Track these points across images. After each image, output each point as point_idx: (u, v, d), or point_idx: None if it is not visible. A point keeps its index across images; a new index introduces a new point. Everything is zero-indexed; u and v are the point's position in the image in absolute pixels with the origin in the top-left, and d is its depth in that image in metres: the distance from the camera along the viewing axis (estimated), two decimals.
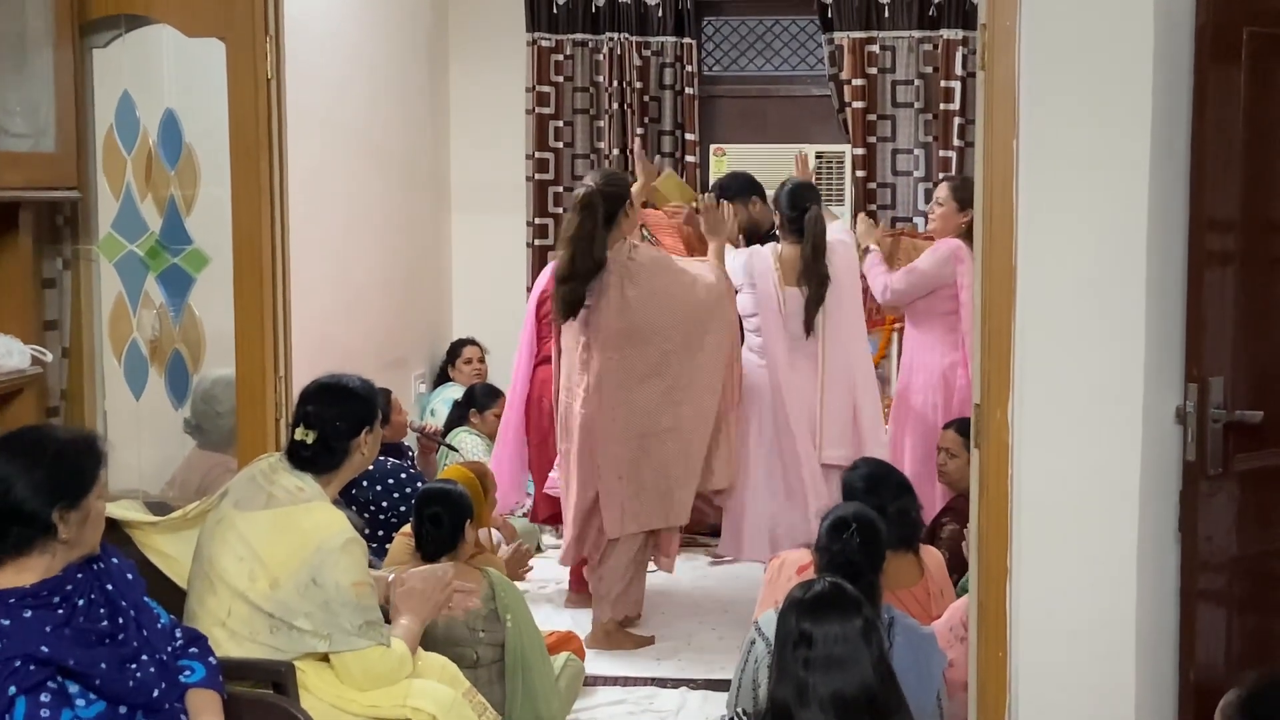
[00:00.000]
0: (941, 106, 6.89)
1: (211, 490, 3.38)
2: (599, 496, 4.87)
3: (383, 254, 6.36)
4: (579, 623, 5.02)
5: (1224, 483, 3.16)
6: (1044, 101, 3.07)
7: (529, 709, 3.87)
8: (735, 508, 5.25)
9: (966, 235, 5.19)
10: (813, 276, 5.09)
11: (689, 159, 7.14)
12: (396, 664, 3.16)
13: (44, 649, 2.44)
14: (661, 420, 4.82)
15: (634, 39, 7.07)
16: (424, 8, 6.95)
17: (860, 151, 6.96)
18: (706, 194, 5.50)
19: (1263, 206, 3.23)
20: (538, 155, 7.18)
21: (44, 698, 2.44)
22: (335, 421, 3.22)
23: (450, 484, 4.15)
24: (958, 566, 4.14)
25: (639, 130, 7.04)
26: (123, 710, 2.56)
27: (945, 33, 6.86)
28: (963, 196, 5.32)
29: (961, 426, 4.61)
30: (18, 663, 2.41)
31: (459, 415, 6.36)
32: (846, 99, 6.95)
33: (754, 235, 5.62)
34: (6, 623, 2.44)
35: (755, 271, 5.19)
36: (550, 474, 5.41)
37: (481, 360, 6.91)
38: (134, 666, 2.58)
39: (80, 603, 2.56)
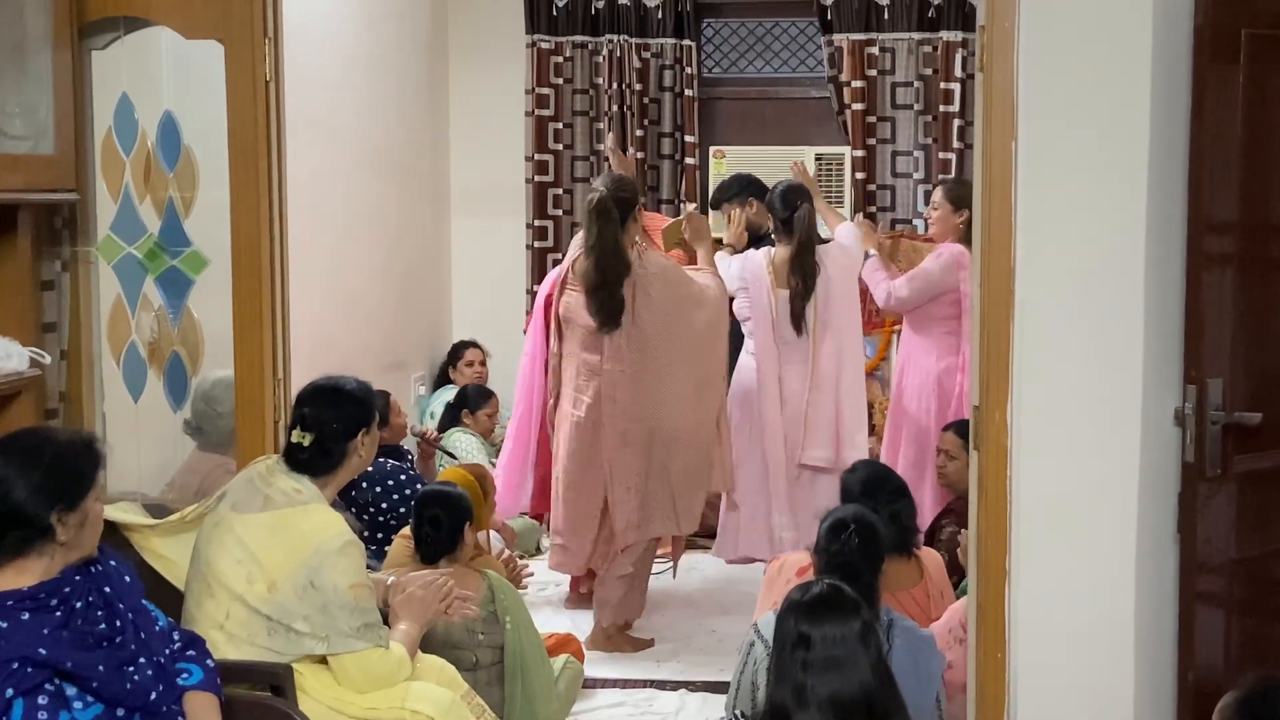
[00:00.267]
0: (941, 108, 6.89)
1: (211, 492, 3.38)
2: (607, 505, 4.86)
3: (382, 256, 6.37)
4: (578, 625, 5.02)
5: (1223, 484, 3.16)
6: (1042, 103, 3.07)
7: (528, 711, 3.87)
8: (730, 510, 5.26)
9: (964, 236, 5.20)
10: (798, 270, 5.12)
11: (688, 161, 7.14)
12: (395, 666, 3.16)
13: (42, 651, 2.44)
14: (672, 428, 4.83)
15: (633, 41, 7.07)
16: (423, 10, 6.95)
17: (860, 153, 6.96)
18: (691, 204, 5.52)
19: (1261, 208, 3.23)
20: (537, 157, 7.18)
21: (41, 700, 2.44)
22: (332, 424, 3.22)
23: (450, 486, 4.15)
24: (957, 568, 4.14)
25: (638, 132, 7.05)
26: (120, 713, 2.56)
27: (945, 34, 6.86)
28: (957, 196, 5.34)
29: (961, 428, 4.61)
30: (15, 665, 2.41)
31: (452, 417, 6.37)
32: (846, 101, 6.96)
33: (753, 238, 5.63)
34: (4, 625, 2.44)
35: (749, 276, 5.21)
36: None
37: (483, 363, 6.92)
38: (132, 669, 2.58)
39: (78, 605, 2.56)
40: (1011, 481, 3.13)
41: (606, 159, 6.99)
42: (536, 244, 7.22)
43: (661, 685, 4.58)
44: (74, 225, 3.82)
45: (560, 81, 7.17)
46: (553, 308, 5.08)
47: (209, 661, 2.80)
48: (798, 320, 5.15)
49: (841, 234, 5.39)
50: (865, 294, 5.52)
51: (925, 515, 4.91)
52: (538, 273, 7.14)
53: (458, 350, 6.95)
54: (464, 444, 6.14)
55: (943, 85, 6.88)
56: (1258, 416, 3.13)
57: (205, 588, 3.12)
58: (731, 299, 5.24)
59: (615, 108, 7.06)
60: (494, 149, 7.20)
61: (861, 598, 2.85)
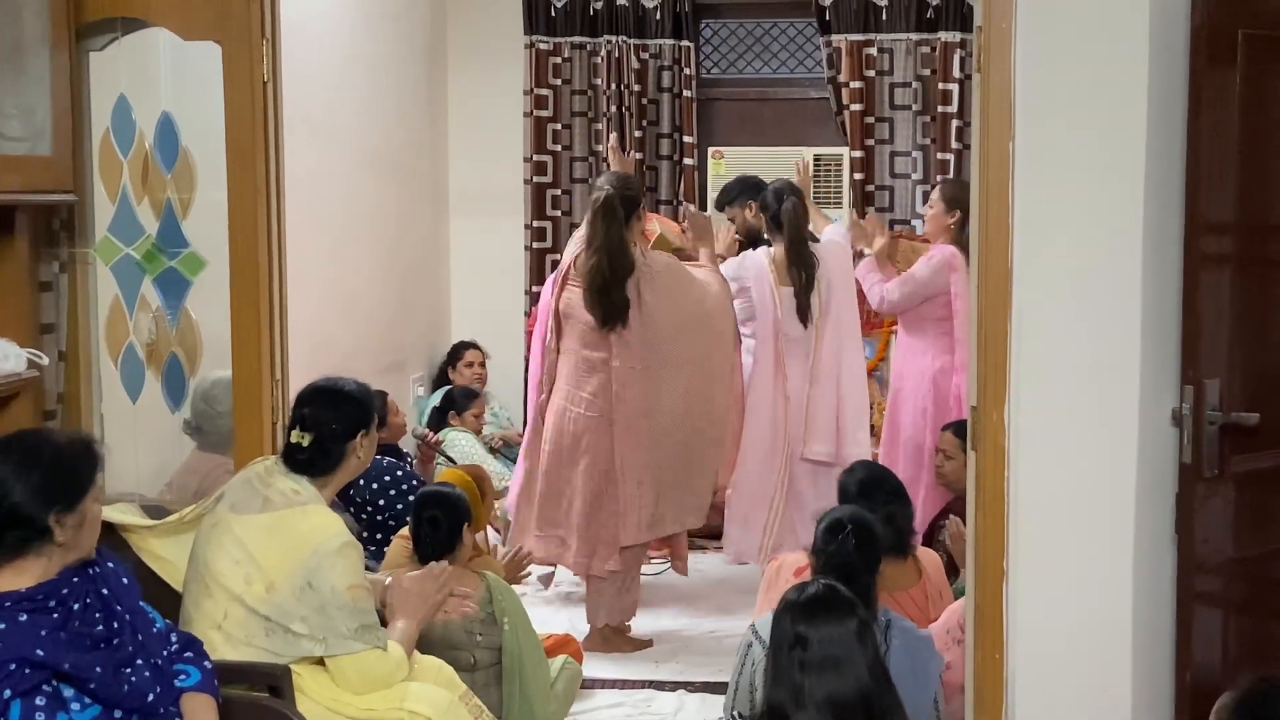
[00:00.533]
0: (939, 109, 6.89)
1: (210, 493, 3.38)
2: (605, 502, 4.85)
3: (380, 257, 6.37)
4: (577, 625, 5.02)
5: (1220, 485, 3.16)
6: (1040, 104, 3.07)
7: (526, 712, 3.87)
8: (737, 510, 5.26)
9: (956, 236, 5.21)
10: (796, 262, 5.14)
11: (687, 161, 7.14)
12: (393, 667, 3.16)
13: (39, 652, 2.44)
14: (681, 426, 4.84)
15: (632, 42, 7.07)
16: (422, 11, 6.95)
17: (858, 154, 6.96)
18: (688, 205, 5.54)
19: (1258, 209, 3.23)
20: (536, 158, 7.18)
21: (39, 701, 2.44)
22: (331, 424, 3.21)
23: (448, 487, 4.15)
24: (955, 569, 4.14)
25: (636, 133, 7.05)
26: (118, 715, 2.55)
27: (943, 35, 6.86)
28: (951, 196, 5.36)
29: (959, 428, 4.61)
30: (13, 666, 2.41)
31: (439, 419, 6.37)
32: (844, 101, 6.96)
33: (755, 240, 5.65)
34: (2, 626, 2.44)
35: (750, 276, 5.23)
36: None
37: (483, 364, 6.92)
38: (129, 670, 2.58)
39: (76, 606, 2.56)
40: (1009, 482, 3.13)
41: (605, 159, 7.03)
42: (535, 245, 7.22)
43: (660, 686, 4.58)
44: (72, 226, 3.82)
45: (559, 82, 7.17)
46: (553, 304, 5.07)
47: (206, 663, 2.80)
48: (804, 313, 5.17)
49: (829, 234, 5.41)
50: (862, 295, 5.53)
51: (920, 516, 4.91)
52: (536, 273, 7.14)
53: (457, 351, 6.95)
54: (462, 443, 6.15)
55: (941, 86, 6.88)
56: (1255, 417, 3.13)
57: (203, 588, 3.12)
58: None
59: (614, 108, 7.06)
60: (492, 150, 7.20)
61: (859, 598, 2.85)
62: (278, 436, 3.56)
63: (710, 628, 5.19)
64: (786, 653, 2.71)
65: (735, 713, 3.10)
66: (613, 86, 7.07)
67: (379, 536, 5.06)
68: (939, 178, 6.71)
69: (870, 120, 6.99)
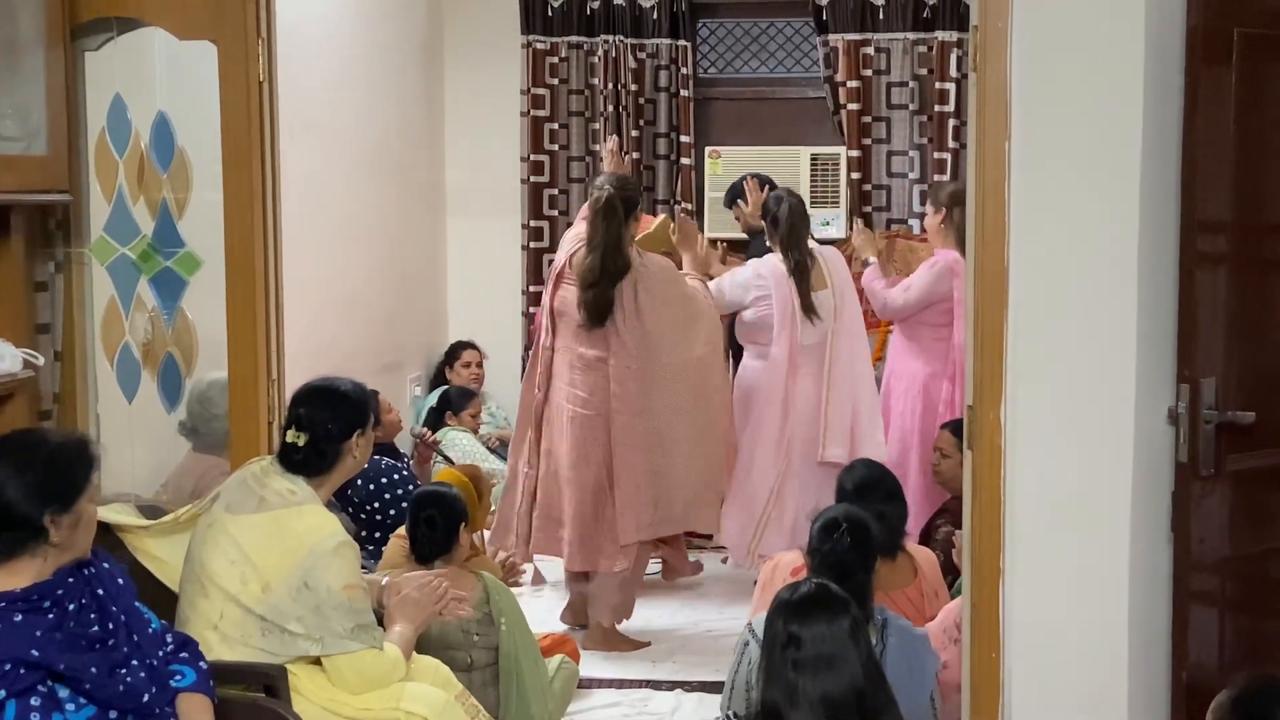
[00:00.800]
0: (936, 108, 6.88)
1: (205, 493, 3.38)
2: (607, 500, 4.85)
3: (377, 257, 6.36)
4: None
5: (1216, 484, 3.16)
6: (1036, 103, 3.07)
7: (523, 712, 3.87)
8: (744, 512, 5.26)
9: (955, 236, 5.23)
10: (790, 247, 5.18)
11: (684, 161, 7.13)
12: (389, 667, 3.16)
13: (34, 653, 2.44)
14: (678, 424, 4.84)
15: (629, 41, 7.06)
16: (418, 10, 6.94)
17: (855, 154, 6.95)
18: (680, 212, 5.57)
19: (1254, 207, 3.23)
20: (532, 158, 7.17)
21: (34, 701, 2.44)
22: (327, 424, 3.21)
23: (445, 487, 4.15)
24: (953, 569, 4.15)
25: (633, 132, 7.04)
26: (113, 715, 2.55)
27: (940, 34, 6.85)
28: (934, 197, 5.43)
29: (956, 427, 4.61)
30: (7, 666, 2.41)
31: (435, 419, 6.37)
32: (841, 101, 6.95)
33: (751, 237, 5.68)
34: None
35: (770, 281, 5.23)
36: None
37: (480, 364, 6.91)
38: (124, 671, 2.57)
39: (71, 607, 2.56)
40: (1005, 481, 3.13)
41: (602, 160, 7.02)
42: (532, 244, 7.21)
43: (657, 685, 4.59)
44: (67, 226, 3.81)
45: (555, 82, 7.16)
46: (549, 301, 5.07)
47: (202, 663, 2.80)
48: (805, 297, 5.17)
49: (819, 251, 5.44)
50: (861, 294, 5.54)
51: (911, 516, 4.91)
52: (533, 273, 7.13)
53: (455, 351, 6.95)
54: (462, 443, 6.15)
55: (938, 85, 6.87)
56: (1251, 415, 3.13)
57: (199, 588, 3.12)
58: (738, 311, 5.26)
59: (611, 108, 7.06)
60: (489, 149, 7.18)
61: (854, 596, 2.85)
62: (274, 436, 3.56)
63: (707, 627, 5.20)
64: (780, 652, 2.71)
65: (732, 712, 3.10)
66: (610, 86, 7.07)
67: (376, 536, 5.06)
68: (935, 178, 6.72)
69: (867, 120, 6.98)
